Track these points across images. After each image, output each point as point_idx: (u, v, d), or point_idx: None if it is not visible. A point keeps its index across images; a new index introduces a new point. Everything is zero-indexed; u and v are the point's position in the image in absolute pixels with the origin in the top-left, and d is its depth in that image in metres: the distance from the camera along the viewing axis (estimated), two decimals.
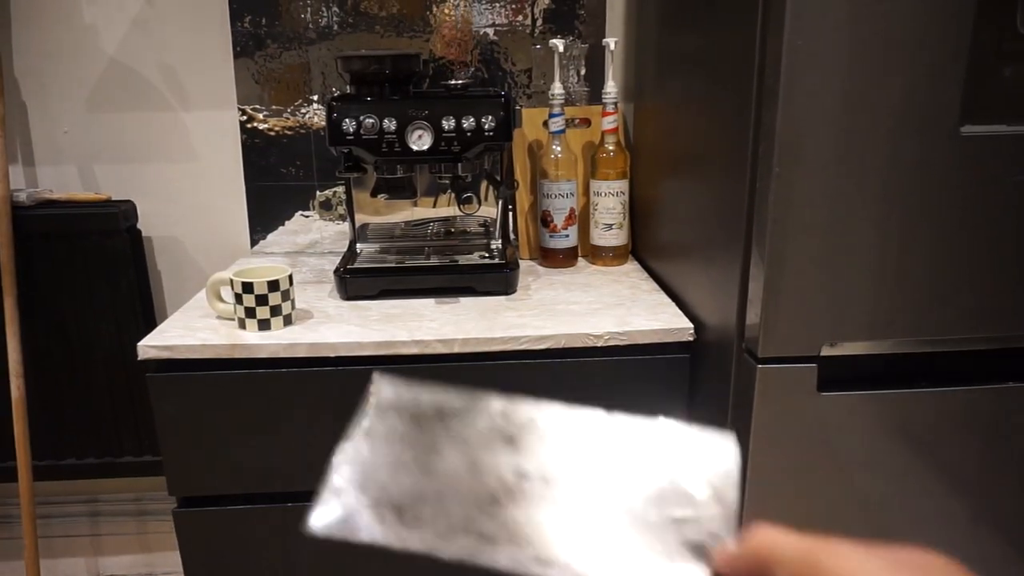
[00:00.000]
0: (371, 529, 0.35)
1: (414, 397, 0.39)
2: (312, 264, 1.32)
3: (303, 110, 1.35)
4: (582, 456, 0.38)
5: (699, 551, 0.36)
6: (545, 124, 1.29)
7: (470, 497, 0.36)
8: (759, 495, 0.87)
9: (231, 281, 0.99)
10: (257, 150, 1.36)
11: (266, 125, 1.35)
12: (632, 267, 1.29)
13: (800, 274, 0.79)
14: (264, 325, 0.99)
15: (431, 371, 0.98)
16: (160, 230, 1.41)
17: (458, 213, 1.23)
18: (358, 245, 1.27)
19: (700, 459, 0.38)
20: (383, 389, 0.40)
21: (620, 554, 0.35)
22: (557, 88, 1.23)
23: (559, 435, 0.38)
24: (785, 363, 0.82)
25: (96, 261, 1.31)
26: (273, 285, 0.98)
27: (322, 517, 0.36)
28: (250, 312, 0.98)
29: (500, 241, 1.27)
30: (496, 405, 0.39)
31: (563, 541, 0.35)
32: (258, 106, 1.34)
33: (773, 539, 0.33)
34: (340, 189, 1.39)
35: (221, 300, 1.03)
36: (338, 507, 0.36)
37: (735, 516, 0.37)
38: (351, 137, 1.07)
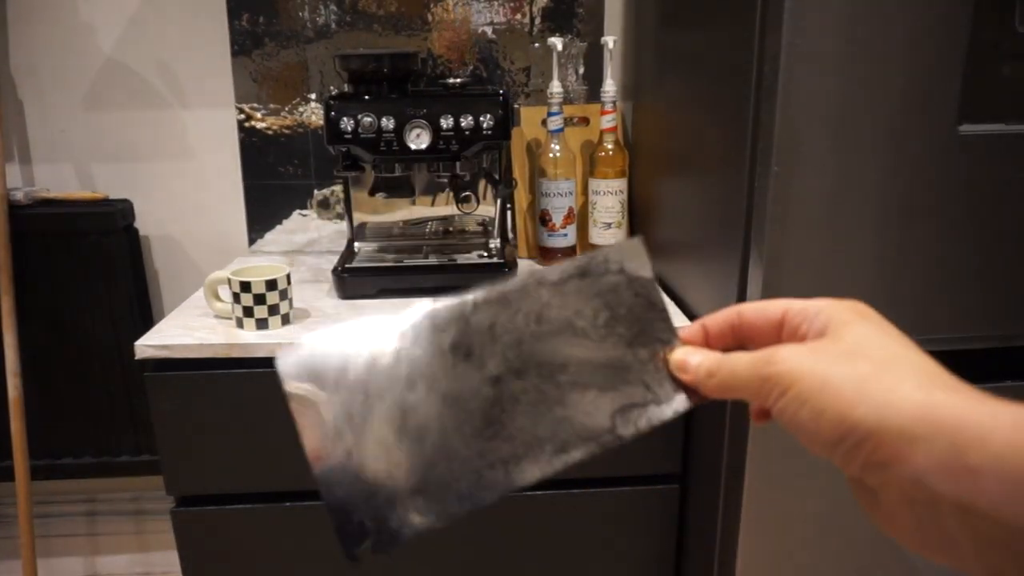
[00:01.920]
0: (409, 527, 0.33)
1: (342, 361, 0.36)
2: (310, 263, 1.32)
3: (301, 109, 1.35)
4: (529, 329, 0.36)
5: (653, 353, 0.38)
6: (544, 123, 1.29)
7: (468, 434, 0.34)
8: (759, 494, 0.87)
9: (229, 280, 0.98)
10: (255, 149, 1.36)
11: (264, 124, 1.35)
12: None
13: (798, 273, 0.79)
14: (262, 324, 0.99)
15: None
16: (157, 229, 1.41)
17: (456, 212, 1.23)
18: (356, 244, 1.27)
19: (622, 271, 0.39)
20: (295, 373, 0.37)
21: (608, 397, 0.36)
22: (556, 87, 1.23)
23: (496, 323, 0.36)
24: None
25: (93, 260, 1.31)
26: (271, 284, 0.98)
27: (356, 543, 0.33)
28: (248, 311, 0.98)
29: (499, 240, 1.27)
30: (422, 321, 0.36)
31: (562, 420, 0.35)
32: (256, 105, 1.34)
33: (733, 362, 0.35)
34: (338, 188, 1.39)
35: (219, 299, 1.03)
36: (371, 524, 0.33)
37: (666, 310, 0.39)
38: (349, 136, 1.07)
